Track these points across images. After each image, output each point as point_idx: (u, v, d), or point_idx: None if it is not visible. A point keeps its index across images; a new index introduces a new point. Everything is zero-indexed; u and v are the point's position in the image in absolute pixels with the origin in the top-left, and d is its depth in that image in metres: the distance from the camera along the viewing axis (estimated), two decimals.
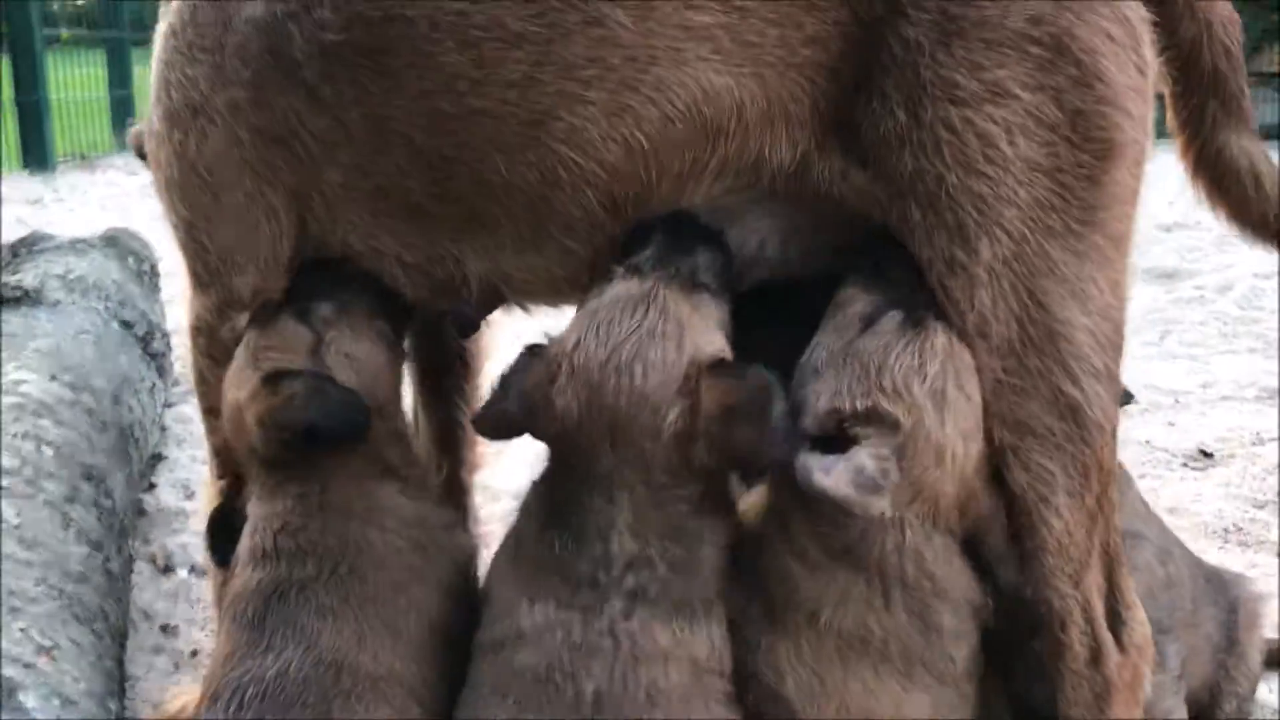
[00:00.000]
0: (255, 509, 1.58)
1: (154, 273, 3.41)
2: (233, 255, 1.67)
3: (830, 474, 1.31)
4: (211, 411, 1.73)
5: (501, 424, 1.44)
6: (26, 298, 2.52)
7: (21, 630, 1.42)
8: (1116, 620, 1.44)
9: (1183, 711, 1.59)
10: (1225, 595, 1.82)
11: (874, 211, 1.44)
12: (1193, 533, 2.66)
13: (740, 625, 1.43)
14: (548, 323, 1.62)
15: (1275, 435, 3.33)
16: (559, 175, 1.47)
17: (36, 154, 9.25)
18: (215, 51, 1.59)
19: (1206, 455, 3.22)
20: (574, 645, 1.34)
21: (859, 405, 1.36)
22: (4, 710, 1.14)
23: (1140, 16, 1.43)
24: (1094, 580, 1.42)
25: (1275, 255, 5.02)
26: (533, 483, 1.48)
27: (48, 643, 1.44)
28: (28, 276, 2.85)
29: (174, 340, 3.07)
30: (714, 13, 1.40)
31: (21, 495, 1.73)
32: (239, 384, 1.57)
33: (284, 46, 1.53)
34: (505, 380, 1.42)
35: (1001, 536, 1.46)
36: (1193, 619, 1.70)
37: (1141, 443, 3.27)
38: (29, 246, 3.22)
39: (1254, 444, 3.28)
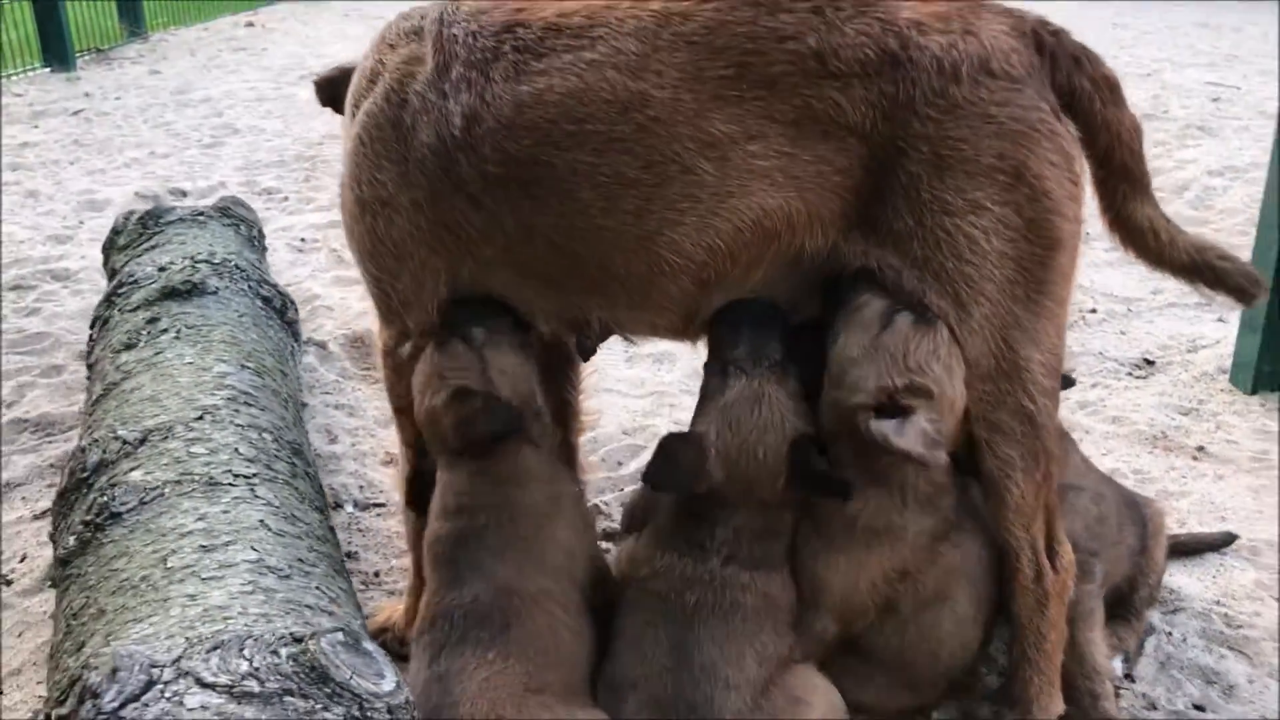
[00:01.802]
0: (441, 477, 2.21)
1: (261, 236, 3.97)
2: (408, 301, 2.27)
3: (904, 436, 1.94)
4: (400, 410, 2.37)
5: (665, 489, 2.09)
6: (195, 289, 3.09)
7: (317, 589, 2.07)
8: (1052, 552, 2.10)
9: (1100, 609, 2.26)
10: (1139, 514, 2.48)
11: (889, 274, 2.01)
12: (1129, 439, 3.32)
13: (798, 543, 2.10)
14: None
15: (1209, 342, 3.96)
16: (662, 268, 2.05)
17: (56, 50, 9.42)
18: (400, 163, 2.15)
19: (1149, 363, 3.83)
20: (686, 577, 2.03)
21: (899, 382, 1.98)
22: (356, 654, 1.77)
23: (1073, 141, 1.99)
24: (1038, 527, 2.08)
25: (1229, 151, 5.75)
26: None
27: (332, 594, 2.07)
28: (167, 256, 3.42)
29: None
30: (771, 158, 1.95)
31: (266, 480, 2.35)
32: (432, 393, 2.17)
33: (453, 168, 2.08)
34: (663, 460, 2.03)
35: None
36: (1118, 537, 2.36)
37: (1096, 354, 3.90)
38: (155, 219, 3.78)
39: (1189, 351, 3.91)
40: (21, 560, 2.77)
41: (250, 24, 12.11)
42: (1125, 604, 2.40)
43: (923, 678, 2.16)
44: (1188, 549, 2.76)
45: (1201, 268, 2.14)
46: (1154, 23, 11.46)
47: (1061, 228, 1.97)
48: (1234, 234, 4.88)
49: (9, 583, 2.70)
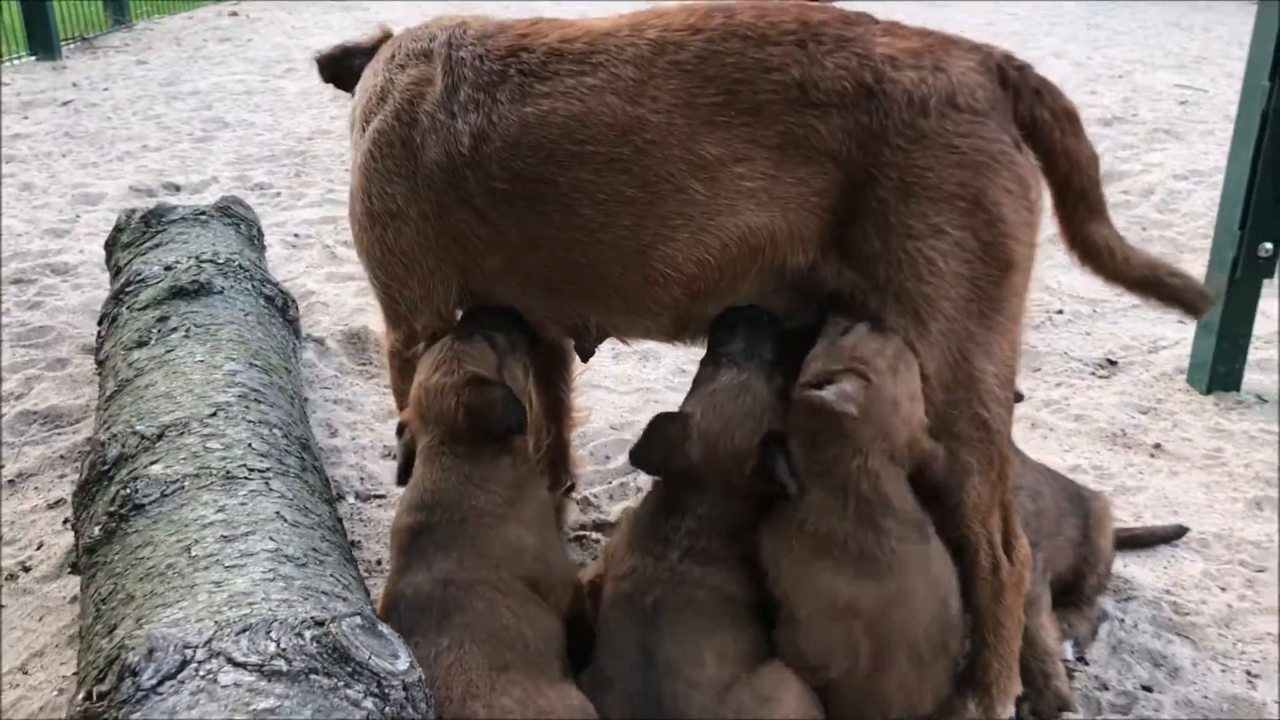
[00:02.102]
0: (418, 468, 2.30)
1: (260, 235, 4.11)
2: (415, 306, 2.42)
3: (823, 391, 2.08)
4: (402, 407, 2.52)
5: (649, 463, 2.22)
6: (202, 289, 3.23)
7: (331, 577, 2.21)
8: (1009, 546, 2.26)
9: (1046, 595, 2.45)
10: (1082, 507, 2.64)
11: (857, 296, 2.18)
12: (1090, 437, 3.50)
13: (759, 541, 2.21)
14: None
15: (1169, 344, 4.15)
16: (655, 278, 2.20)
17: (42, 38, 9.46)
18: (409, 178, 2.30)
19: (1112, 363, 4.01)
20: (647, 578, 2.15)
21: (837, 366, 2.11)
22: (373, 636, 1.91)
23: (1031, 170, 2.14)
24: (995, 523, 2.24)
25: (1194, 155, 5.94)
26: (655, 484, 2.29)
27: (345, 582, 2.22)
28: (172, 255, 3.55)
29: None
30: (757, 180, 2.11)
31: (279, 473, 2.49)
32: (446, 372, 2.27)
33: (461, 184, 2.24)
34: (650, 435, 2.18)
35: (940, 470, 2.15)
36: (1056, 529, 2.53)
37: (1061, 354, 4.08)
38: (158, 218, 3.91)
39: (1150, 352, 4.09)
40: (39, 548, 2.91)
41: (234, 13, 12.18)
42: (1075, 592, 2.57)
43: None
44: (1141, 541, 2.94)
45: (1154, 283, 2.31)
46: (1127, 23, 11.67)
47: (1015, 251, 2.12)
48: (1196, 237, 5.07)
49: (27, 569, 2.83)
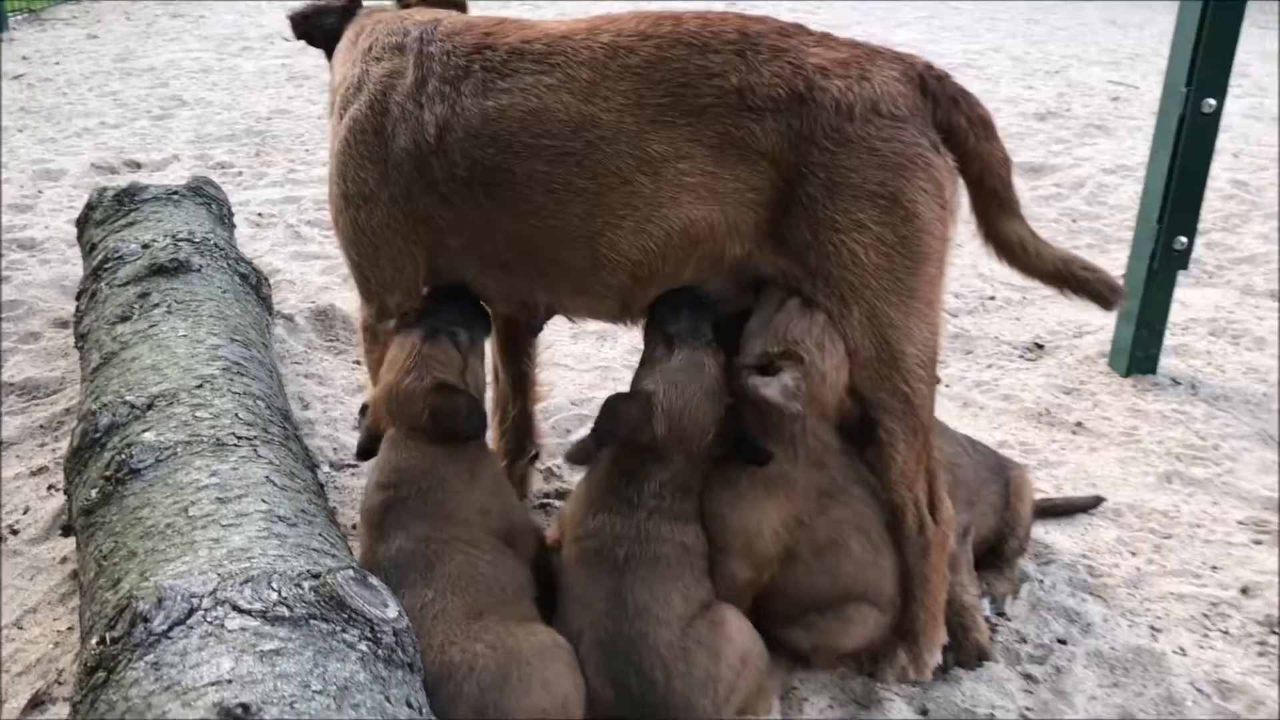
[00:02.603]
0: (384, 452, 2.49)
1: (230, 215, 4.24)
2: (387, 283, 2.59)
3: (769, 388, 2.33)
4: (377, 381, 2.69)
5: (613, 439, 2.39)
6: (181, 267, 3.37)
7: (320, 536, 2.39)
8: (934, 508, 2.48)
9: (968, 555, 2.68)
10: (1003, 475, 2.88)
11: (791, 281, 2.37)
12: (1017, 415, 3.76)
13: (708, 497, 2.45)
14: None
15: (1093, 329, 4.42)
16: (603, 263, 2.38)
17: None
18: (381, 163, 2.46)
19: (1039, 347, 4.28)
20: (616, 534, 2.36)
21: (776, 349, 2.36)
22: (365, 587, 2.10)
23: (947, 171, 2.34)
24: (920, 487, 2.46)
25: (1123, 150, 6.24)
26: (606, 452, 2.47)
27: (332, 540, 2.39)
28: (148, 233, 3.69)
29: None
30: (699, 175, 2.29)
31: (265, 441, 2.65)
32: (414, 377, 2.45)
33: (427, 171, 2.41)
34: (612, 414, 2.37)
35: (855, 422, 2.41)
36: (977, 496, 2.76)
37: (993, 338, 4.34)
38: (131, 196, 4.03)
39: (1075, 336, 4.36)
40: (25, 512, 3.05)
41: None
42: (997, 554, 2.82)
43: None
44: (1061, 510, 3.19)
45: (1066, 277, 2.54)
46: (1065, 20, 12.02)
47: (930, 244, 2.33)
48: (1122, 228, 5.36)
49: (15, 532, 2.97)
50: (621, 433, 2.38)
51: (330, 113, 2.73)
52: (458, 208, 2.43)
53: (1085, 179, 5.94)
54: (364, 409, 2.60)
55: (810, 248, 2.33)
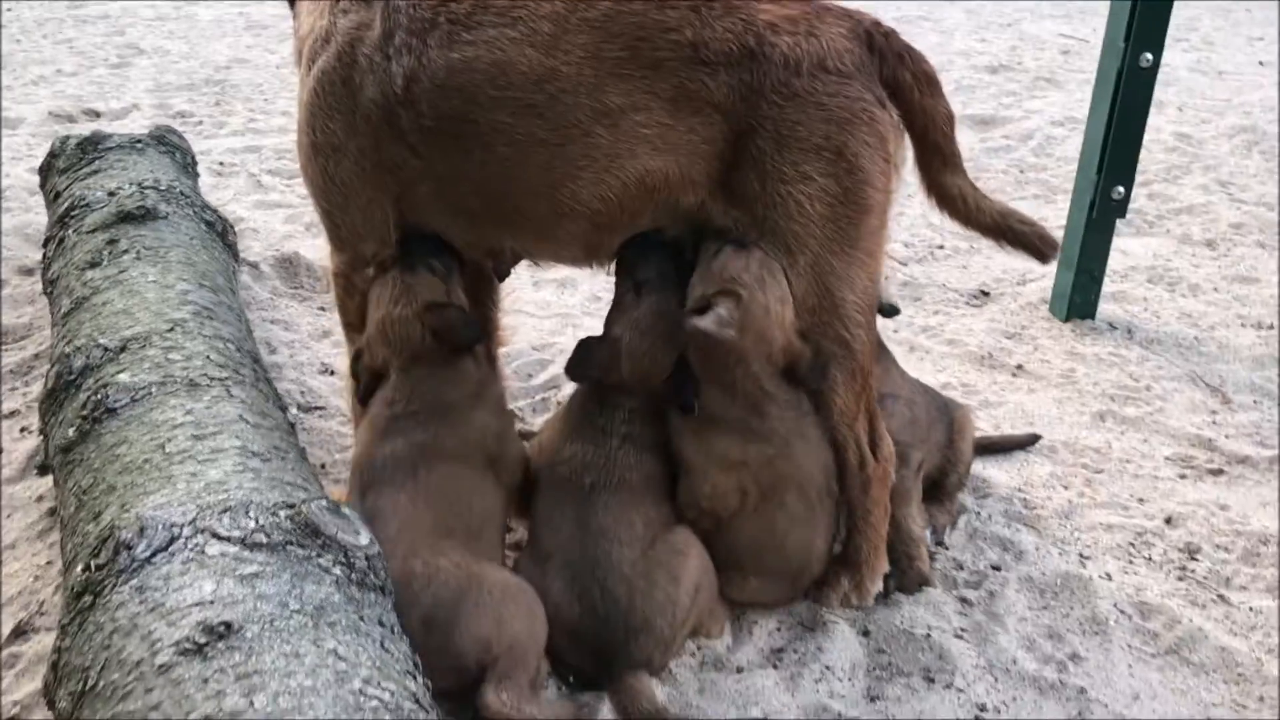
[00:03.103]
0: (393, 378, 2.63)
1: (194, 163, 4.29)
2: (358, 232, 2.66)
3: (704, 320, 2.44)
4: (350, 325, 2.78)
5: (584, 377, 2.55)
6: (148, 214, 3.43)
7: (292, 470, 2.49)
8: (874, 445, 2.62)
9: (917, 490, 2.85)
10: (947, 415, 3.04)
11: (739, 231, 2.47)
12: (961, 359, 3.92)
13: (671, 431, 2.60)
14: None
15: (1036, 277, 4.58)
16: (564, 211, 2.48)
17: None
18: (349, 115, 2.52)
19: (985, 294, 4.44)
20: (586, 463, 2.52)
21: (711, 290, 2.47)
22: (338, 516, 2.22)
23: (891, 126, 2.45)
24: (861, 425, 2.59)
25: (1072, 103, 6.39)
26: (579, 389, 2.62)
27: (304, 475, 2.50)
28: (113, 181, 3.74)
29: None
30: (654, 128, 2.38)
31: (237, 382, 2.74)
32: (403, 305, 2.58)
33: (395, 121, 2.47)
34: (585, 356, 2.52)
35: (805, 365, 2.51)
36: (927, 435, 2.93)
37: (940, 285, 4.49)
38: (94, 145, 4.07)
39: (1019, 284, 4.52)
40: None
41: None
42: (939, 488, 2.98)
43: (780, 571, 2.61)
44: (999, 447, 3.36)
45: (1004, 230, 2.66)
46: None
47: (872, 197, 2.44)
48: (1068, 180, 5.49)
49: None
50: (593, 374, 2.52)
51: (297, 63, 2.79)
52: (425, 158, 2.51)
53: (1033, 131, 6.08)
54: (357, 356, 2.70)
55: (758, 198, 2.44)
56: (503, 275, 2.86)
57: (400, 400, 2.58)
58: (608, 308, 2.66)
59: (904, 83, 2.47)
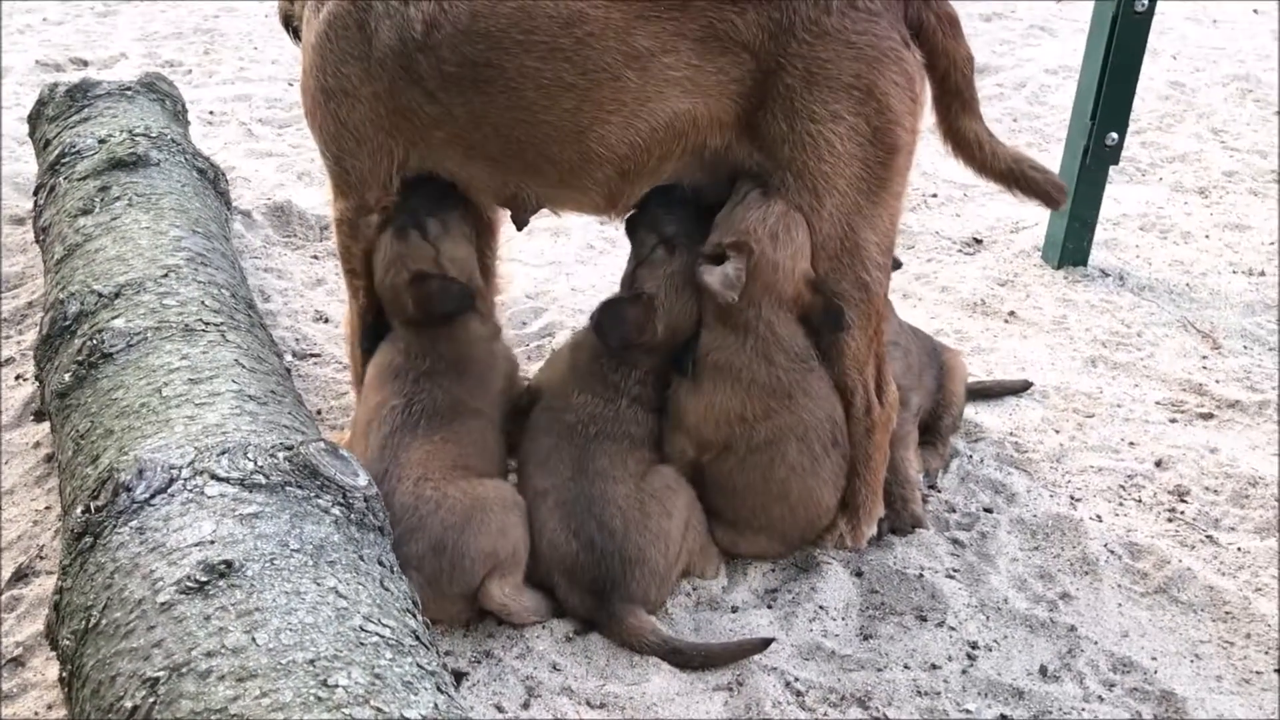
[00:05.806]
0: (398, 330, 2.68)
1: (184, 111, 4.25)
2: (365, 178, 2.63)
3: (711, 275, 2.48)
4: (352, 272, 2.77)
5: (619, 339, 2.55)
6: (140, 161, 3.41)
7: (289, 414, 2.50)
8: (879, 390, 2.65)
9: (914, 434, 2.87)
10: (937, 360, 3.06)
11: (764, 174, 2.48)
12: (954, 305, 3.92)
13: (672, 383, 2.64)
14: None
15: (1029, 224, 4.58)
16: (591, 157, 2.47)
17: None
18: (363, 60, 2.48)
19: (978, 241, 4.44)
20: (593, 414, 2.55)
21: (727, 240, 2.50)
22: (336, 458, 2.22)
23: (917, 65, 2.45)
24: (870, 371, 2.61)
25: (1065, 51, 6.28)
26: (585, 338, 2.63)
27: (301, 419, 2.51)
28: (103, 129, 3.71)
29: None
30: (683, 69, 2.37)
31: (232, 328, 2.74)
32: (394, 274, 2.62)
33: (413, 66, 2.44)
34: (616, 316, 2.53)
35: (818, 317, 2.53)
36: (920, 380, 2.96)
37: (934, 233, 4.49)
38: (84, 92, 4.03)
39: (1012, 232, 4.52)
40: None
41: None
42: (932, 431, 3.00)
43: (787, 524, 2.62)
44: (992, 392, 3.38)
45: (1017, 176, 2.66)
46: None
47: (900, 136, 2.46)
48: (1061, 128, 5.45)
49: None
50: (630, 335, 2.53)
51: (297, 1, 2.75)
52: (444, 103, 2.48)
53: (1027, 79, 6.05)
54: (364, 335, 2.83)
55: (785, 139, 2.43)
56: (521, 225, 2.84)
57: (417, 355, 2.62)
58: (600, 256, 2.67)
59: (928, 23, 2.46)
